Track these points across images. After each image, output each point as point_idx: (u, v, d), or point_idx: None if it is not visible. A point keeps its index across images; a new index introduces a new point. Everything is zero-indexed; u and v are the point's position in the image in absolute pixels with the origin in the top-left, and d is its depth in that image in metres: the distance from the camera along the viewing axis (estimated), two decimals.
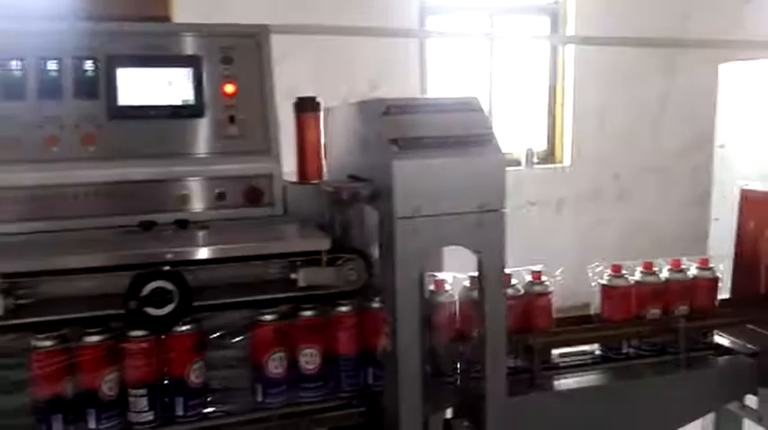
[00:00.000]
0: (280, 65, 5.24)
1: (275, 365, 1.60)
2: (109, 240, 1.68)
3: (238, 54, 1.99)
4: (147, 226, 1.74)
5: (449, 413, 1.72)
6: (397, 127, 1.48)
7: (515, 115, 5.90)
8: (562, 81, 5.91)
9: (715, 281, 2.03)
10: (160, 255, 1.50)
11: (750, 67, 2.30)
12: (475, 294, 1.65)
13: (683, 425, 1.93)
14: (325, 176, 2.01)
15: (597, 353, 1.97)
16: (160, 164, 1.86)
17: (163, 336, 1.52)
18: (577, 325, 1.98)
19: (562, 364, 1.91)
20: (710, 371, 1.94)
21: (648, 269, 1.99)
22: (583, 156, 5.94)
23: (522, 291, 1.89)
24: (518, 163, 5.86)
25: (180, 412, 1.54)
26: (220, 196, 1.91)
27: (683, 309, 2.00)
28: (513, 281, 1.88)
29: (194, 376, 1.55)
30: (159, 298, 1.42)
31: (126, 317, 1.43)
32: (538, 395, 1.76)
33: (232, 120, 1.95)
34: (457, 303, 1.82)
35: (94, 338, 1.47)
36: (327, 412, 1.64)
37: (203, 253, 1.53)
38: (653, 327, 1.94)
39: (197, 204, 1.90)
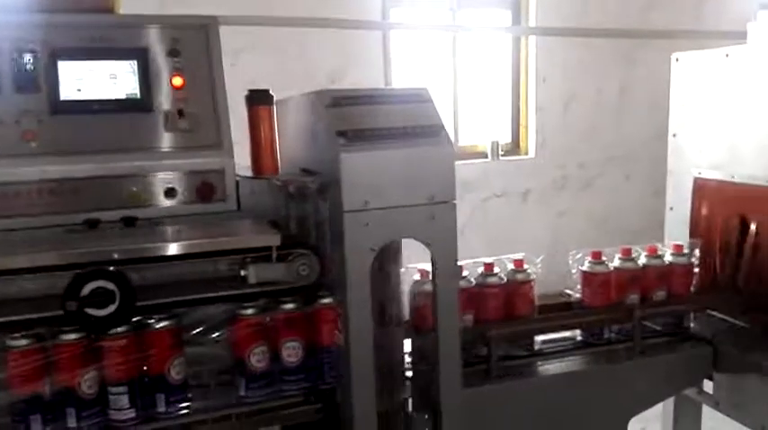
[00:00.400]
0: (239, 58, 5.16)
1: (258, 359, 1.57)
2: (51, 239, 1.62)
3: (186, 46, 1.93)
4: (92, 224, 1.68)
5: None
6: (344, 119, 1.45)
7: (480, 108, 5.92)
8: (525, 73, 5.93)
9: (691, 266, 2.08)
10: (102, 254, 1.45)
11: (702, 56, 2.32)
12: (428, 286, 1.64)
13: (640, 412, 1.95)
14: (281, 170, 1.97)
15: (565, 341, 1.98)
16: (105, 160, 1.80)
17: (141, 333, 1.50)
18: (559, 311, 2.00)
19: (517, 355, 1.91)
20: (667, 357, 1.96)
21: (627, 255, 2.02)
22: (547, 148, 5.98)
23: (505, 280, 1.90)
24: (484, 155, 5.88)
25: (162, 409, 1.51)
26: (170, 192, 1.86)
27: (660, 294, 2.03)
28: (496, 269, 1.89)
29: (175, 372, 1.52)
30: (100, 298, 1.38)
31: (64, 318, 1.38)
32: (493, 386, 1.75)
33: (181, 113, 1.89)
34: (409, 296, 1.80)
35: (72, 336, 1.43)
36: (283, 410, 1.61)
37: (148, 251, 1.48)
38: (608, 316, 1.95)
39: (146, 201, 1.85)
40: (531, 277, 1.90)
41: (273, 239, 1.55)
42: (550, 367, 1.85)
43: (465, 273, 1.84)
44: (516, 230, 5.85)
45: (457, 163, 5.57)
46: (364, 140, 1.44)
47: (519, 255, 1.93)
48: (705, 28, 5.55)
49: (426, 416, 1.63)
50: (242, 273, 1.53)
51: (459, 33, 5.69)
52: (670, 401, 2.39)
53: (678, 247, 2.08)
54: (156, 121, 1.88)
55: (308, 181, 1.51)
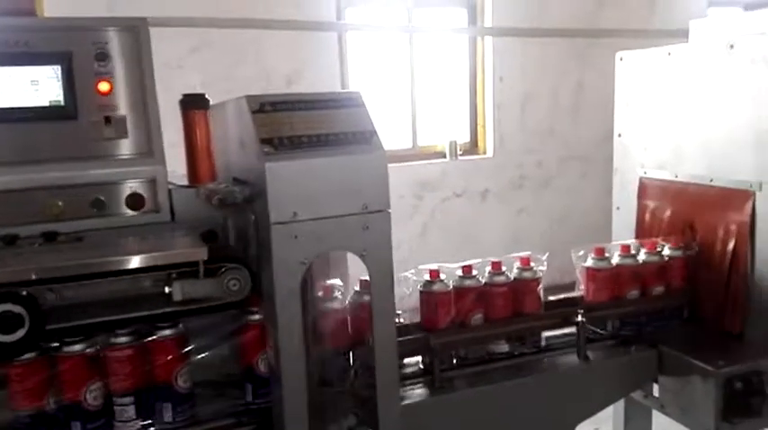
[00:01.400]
0: (190, 60, 5.04)
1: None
2: None
3: (114, 49, 1.84)
4: (10, 240, 1.58)
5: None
6: (270, 125, 1.39)
7: (438, 108, 5.89)
8: (482, 73, 5.93)
9: (686, 260, 2.10)
10: (14, 274, 1.36)
11: (645, 56, 2.31)
12: (366, 298, 1.59)
13: (587, 417, 1.93)
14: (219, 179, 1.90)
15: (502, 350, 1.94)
16: (26, 171, 1.70)
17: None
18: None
19: (461, 363, 1.87)
20: (611, 362, 1.94)
21: (626, 251, 2.04)
22: (505, 147, 5.99)
23: (513, 278, 1.89)
24: (443, 155, 5.86)
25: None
26: (98, 204, 1.77)
27: (659, 289, 2.06)
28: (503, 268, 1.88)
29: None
30: (7, 322, 1.29)
31: None
32: (437, 398, 1.71)
33: (108, 120, 1.80)
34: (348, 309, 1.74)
35: (76, 348, 1.44)
36: None
37: (62, 269, 1.39)
38: (554, 320, 1.93)
39: (71, 214, 1.75)
40: (538, 275, 1.91)
41: (200, 253, 1.47)
42: (494, 376, 1.82)
43: (474, 272, 1.85)
44: (476, 229, 5.85)
45: (416, 163, 5.55)
46: (292, 148, 1.38)
47: (525, 254, 1.93)
48: (657, 27, 5.62)
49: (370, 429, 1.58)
50: (166, 290, 1.46)
51: (416, 33, 5.65)
52: (621, 403, 2.39)
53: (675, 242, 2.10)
54: (81, 130, 1.78)
55: (234, 191, 1.44)
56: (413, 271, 1.83)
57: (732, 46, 2.00)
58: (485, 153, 6.04)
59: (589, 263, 2.03)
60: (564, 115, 6.12)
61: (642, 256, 2.08)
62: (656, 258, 2.08)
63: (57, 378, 1.48)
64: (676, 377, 1.91)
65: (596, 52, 5.77)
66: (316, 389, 1.57)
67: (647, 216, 2.30)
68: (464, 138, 5.99)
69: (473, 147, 6.05)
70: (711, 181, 2.10)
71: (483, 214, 5.99)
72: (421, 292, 1.83)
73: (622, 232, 2.38)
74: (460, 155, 5.87)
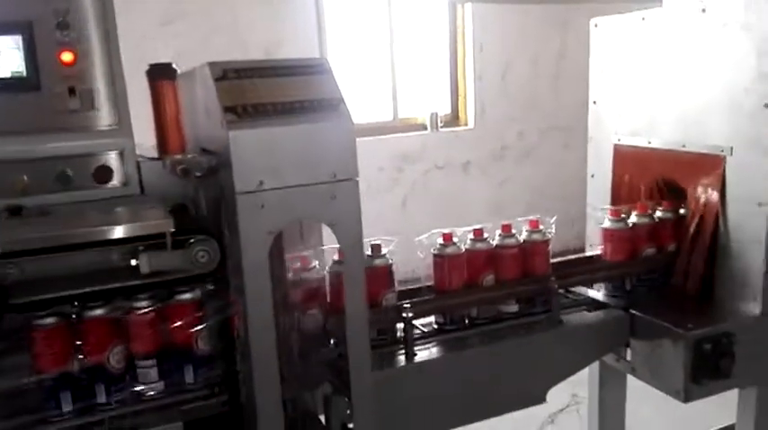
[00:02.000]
0: (163, 32, 4.94)
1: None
2: None
3: (77, 18, 1.79)
4: None
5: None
6: (234, 93, 1.36)
7: (418, 80, 5.85)
8: (462, 42, 5.88)
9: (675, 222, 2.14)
10: None
11: (620, 21, 2.29)
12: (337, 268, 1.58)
13: (559, 381, 1.95)
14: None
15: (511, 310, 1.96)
16: None
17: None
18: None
19: (436, 331, 1.88)
20: (583, 326, 1.96)
21: (644, 211, 2.09)
22: (486, 118, 5.97)
23: (522, 240, 1.93)
24: (424, 127, 5.83)
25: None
26: (63, 177, 1.74)
27: (672, 246, 2.11)
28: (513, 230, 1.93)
29: None
30: None
31: None
32: (408, 366, 1.72)
33: (72, 92, 1.76)
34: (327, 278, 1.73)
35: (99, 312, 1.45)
36: (187, 403, 1.54)
37: (23, 242, 1.37)
38: (527, 287, 1.94)
39: (37, 188, 1.72)
40: (547, 237, 1.95)
41: (166, 225, 1.45)
42: (468, 341, 1.83)
43: (485, 235, 1.89)
44: (458, 201, 5.86)
45: (397, 135, 5.51)
46: (256, 116, 1.35)
47: (533, 217, 1.98)
48: None
49: (346, 399, 1.59)
50: (133, 262, 1.44)
51: (395, 2, 5.57)
52: (595, 368, 2.43)
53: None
54: (44, 101, 1.74)
55: (199, 161, 1.42)
56: (426, 235, 1.88)
57: (704, 10, 1.99)
58: (466, 124, 6.02)
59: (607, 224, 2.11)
60: (545, 84, 6.10)
61: (633, 219, 2.12)
62: (646, 220, 2.13)
63: (81, 341, 1.48)
64: (647, 340, 1.94)
65: (577, 19, 5.72)
66: (291, 360, 1.58)
67: (622, 183, 2.31)
68: (445, 109, 5.96)
69: (454, 118, 6.03)
70: (684, 146, 2.11)
71: (464, 186, 5.99)
72: (434, 255, 1.85)
73: (597, 199, 2.39)
74: (441, 126, 5.85)
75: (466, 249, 1.88)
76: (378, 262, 1.77)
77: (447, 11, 5.80)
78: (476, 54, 5.81)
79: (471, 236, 1.90)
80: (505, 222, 1.93)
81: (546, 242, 1.95)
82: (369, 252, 1.76)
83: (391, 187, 5.69)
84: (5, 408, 1.42)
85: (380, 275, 1.77)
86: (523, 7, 5.72)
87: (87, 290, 1.43)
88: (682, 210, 2.15)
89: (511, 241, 1.92)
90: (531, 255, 1.94)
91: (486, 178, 6.06)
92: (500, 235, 1.93)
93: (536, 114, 6.10)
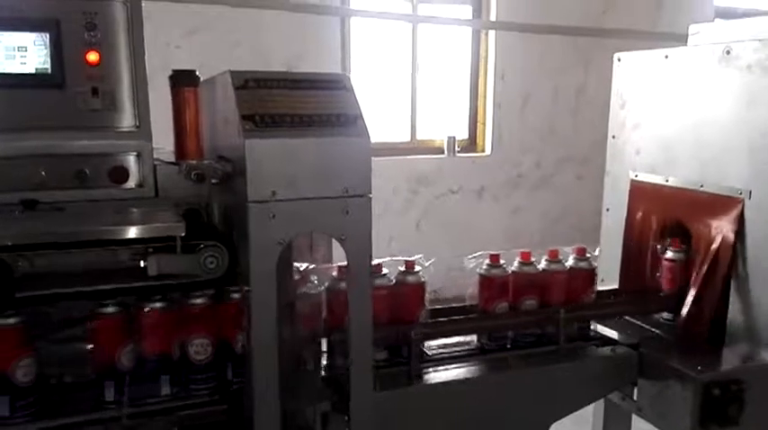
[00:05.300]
0: (188, 42, 5.00)
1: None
2: None
3: (105, 20, 1.81)
4: None
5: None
6: (253, 102, 1.37)
7: (438, 103, 5.87)
8: (485, 70, 5.91)
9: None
10: None
11: (643, 57, 2.29)
12: (343, 284, 1.57)
13: (563, 416, 1.91)
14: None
15: (477, 344, 1.94)
16: (9, 138, 1.68)
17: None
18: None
19: (440, 356, 1.85)
20: (591, 361, 1.93)
21: (527, 259, 1.99)
22: (504, 145, 5.97)
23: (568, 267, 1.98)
24: (441, 151, 5.84)
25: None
26: (81, 175, 1.75)
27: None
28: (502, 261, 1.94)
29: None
30: None
31: None
32: (411, 389, 1.69)
33: (95, 92, 1.78)
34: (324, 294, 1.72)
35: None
36: (185, 410, 1.53)
37: (36, 236, 1.38)
38: (533, 318, 1.91)
39: (54, 184, 1.73)
40: (594, 265, 2.00)
41: (177, 228, 1.45)
42: (468, 369, 1.80)
43: (533, 258, 1.93)
44: (470, 227, 5.83)
45: (413, 157, 5.51)
46: (274, 126, 1.36)
47: (580, 245, 2.02)
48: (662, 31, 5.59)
49: (347, 418, 1.57)
50: (142, 263, 1.44)
51: (420, 26, 5.62)
52: (600, 406, 2.38)
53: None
54: (67, 99, 1.76)
55: (214, 167, 1.42)
56: (473, 256, 1.93)
57: (728, 51, 1.98)
58: (483, 151, 6.02)
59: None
60: (564, 116, 6.09)
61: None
62: None
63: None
64: (655, 380, 1.90)
65: (599, 54, 5.73)
66: (291, 373, 1.56)
67: (637, 219, 2.29)
68: (463, 134, 5.97)
69: (471, 144, 6.03)
70: (702, 186, 2.09)
71: (478, 212, 5.97)
72: (480, 275, 1.89)
73: (611, 234, 2.37)
74: (458, 151, 5.85)
75: (512, 272, 1.91)
76: (410, 279, 1.77)
77: (471, 38, 5.84)
78: (497, 82, 5.82)
79: (518, 259, 1.93)
80: (552, 248, 1.98)
81: (592, 271, 1.99)
82: (402, 268, 1.79)
83: (406, 209, 5.68)
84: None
85: (414, 292, 1.78)
86: (547, 40, 5.74)
87: (94, 288, 1.43)
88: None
89: (558, 267, 1.95)
90: (576, 282, 1.97)
91: (500, 205, 6.04)
92: (547, 260, 1.96)
93: (553, 145, 6.09)
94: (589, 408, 2.19)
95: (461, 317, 1.86)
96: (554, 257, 1.97)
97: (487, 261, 1.91)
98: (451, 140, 5.79)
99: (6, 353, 1.38)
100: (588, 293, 2.00)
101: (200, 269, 1.48)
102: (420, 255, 1.79)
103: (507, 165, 6.00)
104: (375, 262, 1.70)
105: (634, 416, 2.22)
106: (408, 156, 5.65)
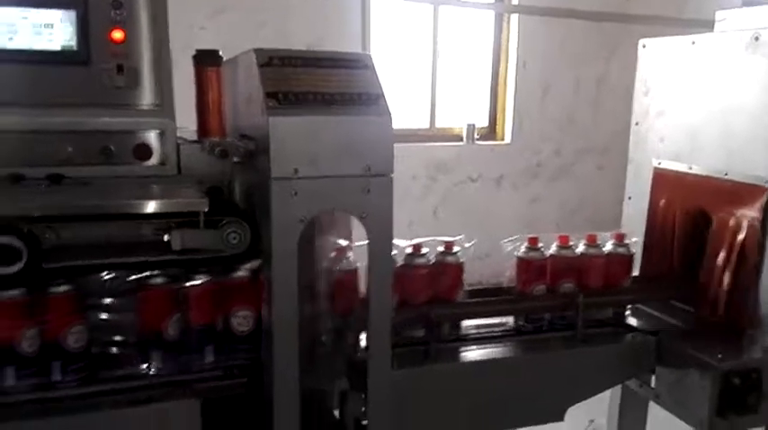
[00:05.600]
0: (212, 23, 5.01)
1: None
2: None
3: None
4: (15, 179, 1.59)
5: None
6: (277, 80, 1.38)
7: (458, 90, 5.84)
8: (506, 57, 5.86)
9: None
10: (18, 210, 1.36)
11: (668, 43, 2.26)
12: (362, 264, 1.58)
13: (579, 401, 1.91)
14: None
15: (509, 325, 1.95)
16: (35, 113, 1.70)
17: None
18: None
19: (464, 337, 1.86)
20: (609, 347, 1.92)
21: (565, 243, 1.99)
22: (524, 133, 5.93)
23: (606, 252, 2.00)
24: (459, 138, 5.81)
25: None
26: (106, 152, 1.77)
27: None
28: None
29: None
30: (6, 255, 1.30)
31: None
32: (428, 368, 1.70)
33: (120, 69, 1.80)
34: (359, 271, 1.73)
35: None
36: (204, 382, 1.55)
37: (62, 208, 1.40)
38: (554, 302, 1.91)
39: (79, 159, 1.75)
40: (632, 252, 2.02)
41: (200, 204, 1.47)
42: (488, 351, 1.81)
43: (571, 242, 1.96)
44: (488, 215, 5.82)
45: (432, 145, 5.49)
46: (297, 104, 1.36)
47: (620, 231, 2.05)
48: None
49: (363, 396, 1.58)
50: (165, 238, 1.46)
51: (441, 12, 5.57)
52: (617, 392, 2.38)
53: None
54: (93, 76, 1.78)
55: (237, 145, 1.43)
56: (512, 238, 1.95)
57: (757, 38, 1.94)
58: (502, 139, 5.99)
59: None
60: (585, 105, 6.03)
61: None
62: None
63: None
64: (674, 368, 1.89)
65: (623, 41, 5.67)
66: (310, 350, 1.57)
67: (659, 207, 2.26)
68: (482, 122, 5.94)
69: (491, 132, 6.00)
70: (726, 174, 2.06)
71: (496, 200, 5.95)
72: (518, 258, 1.90)
73: (632, 222, 2.35)
74: (477, 139, 5.82)
75: (550, 255, 1.92)
76: (450, 259, 1.79)
77: (493, 25, 5.78)
78: (518, 70, 5.78)
79: (557, 243, 1.95)
80: (590, 233, 2.00)
81: (630, 257, 2.01)
82: (441, 249, 1.81)
83: (424, 195, 5.68)
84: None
85: (452, 272, 1.80)
86: (569, 27, 5.67)
87: (119, 261, 1.45)
88: None
89: (596, 251, 1.96)
90: (614, 268, 1.98)
91: (519, 194, 6.01)
92: (585, 244, 1.97)
93: (573, 134, 6.04)
94: (603, 396, 2.18)
95: (477, 300, 1.86)
96: (592, 242, 1.97)
97: (526, 244, 1.92)
98: (471, 128, 5.76)
99: (59, 320, 1.41)
100: (625, 279, 2.00)
101: (224, 244, 1.50)
102: (461, 236, 1.81)
103: (527, 154, 5.97)
104: (415, 241, 1.73)
105: (650, 403, 2.21)
106: (427, 143, 5.64)
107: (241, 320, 1.56)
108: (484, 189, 5.91)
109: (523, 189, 6.02)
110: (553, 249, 1.95)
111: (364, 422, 1.56)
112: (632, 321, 2.05)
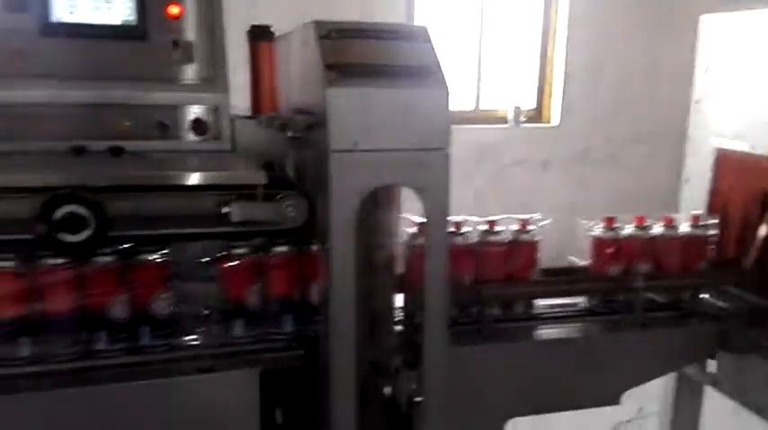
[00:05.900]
0: (259, 2, 5.01)
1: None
2: (31, 164, 1.56)
3: None
4: (78, 151, 1.62)
5: None
6: (336, 52, 1.36)
7: (504, 71, 5.73)
8: (554, 38, 5.72)
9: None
10: (78, 179, 1.39)
11: (732, 19, 2.16)
12: (420, 240, 1.56)
13: (637, 385, 1.86)
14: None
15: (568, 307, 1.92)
16: (95, 87, 1.73)
17: None
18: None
19: (525, 316, 1.84)
20: (670, 332, 1.87)
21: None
22: (572, 117, 5.79)
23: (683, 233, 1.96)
24: (505, 121, 5.72)
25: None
26: (162, 126, 1.79)
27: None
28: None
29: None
30: (73, 223, 1.32)
31: (35, 241, 1.33)
32: (482, 347, 1.68)
33: (176, 44, 1.81)
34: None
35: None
36: (263, 353, 1.56)
37: (125, 179, 1.42)
38: (613, 285, 1.86)
39: (138, 133, 1.78)
40: (709, 232, 1.98)
41: (259, 177, 1.47)
42: (546, 332, 1.78)
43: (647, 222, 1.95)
44: (533, 200, 5.70)
45: (477, 127, 5.41)
46: (356, 76, 1.34)
47: (697, 212, 2.01)
48: None
49: (413, 373, 1.57)
50: (224, 210, 1.47)
51: None
52: (670, 379, 2.32)
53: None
54: (150, 51, 1.80)
55: (296, 118, 1.43)
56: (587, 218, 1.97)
57: None
58: (549, 122, 5.86)
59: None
60: (636, 90, 5.85)
61: None
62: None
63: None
64: (735, 353, 1.83)
65: (680, 22, 5.48)
66: (367, 327, 1.56)
67: (722, 189, 2.18)
68: (529, 104, 5.83)
69: (537, 114, 5.87)
70: None
71: (542, 184, 5.83)
72: (594, 238, 1.90)
73: (691, 206, 2.27)
74: (523, 122, 5.72)
75: (624, 236, 1.90)
76: (524, 237, 1.79)
77: (543, 4, 5.65)
78: (568, 51, 5.64)
79: (634, 223, 1.94)
80: (668, 215, 1.97)
81: (706, 239, 1.96)
82: (516, 227, 1.81)
83: (468, 179, 5.61)
84: None
85: (527, 251, 1.80)
86: (622, 10, 5.51)
87: (179, 231, 1.47)
88: None
89: (673, 233, 1.93)
90: (692, 249, 1.95)
91: (565, 178, 5.88)
92: (662, 225, 1.94)
93: (624, 118, 5.87)
94: (655, 384, 2.12)
95: (536, 280, 1.82)
96: (669, 223, 1.94)
97: (602, 224, 1.91)
98: (517, 110, 5.65)
99: (148, 289, 1.46)
100: (702, 261, 1.96)
101: (281, 217, 1.50)
102: (538, 214, 1.78)
103: (575, 138, 5.82)
104: (489, 218, 1.71)
105: (707, 390, 2.15)
106: (471, 126, 5.56)
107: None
108: (529, 173, 5.80)
109: (570, 174, 5.88)
110: (629, 229, 1.92)
111: (417, 399, 1.55)
112: (694, 306, 1.99)
